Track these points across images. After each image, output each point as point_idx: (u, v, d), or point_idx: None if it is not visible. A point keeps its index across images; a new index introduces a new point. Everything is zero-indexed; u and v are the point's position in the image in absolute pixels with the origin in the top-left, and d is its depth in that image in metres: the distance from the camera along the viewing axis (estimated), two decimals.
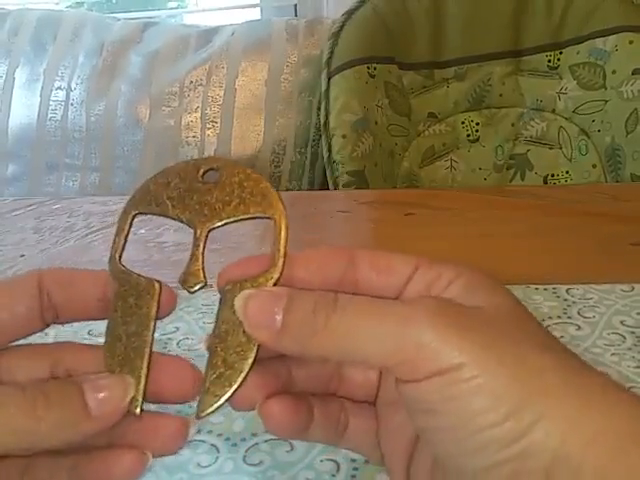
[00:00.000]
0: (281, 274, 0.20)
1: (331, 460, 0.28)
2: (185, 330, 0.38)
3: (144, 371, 0.20)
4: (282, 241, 0.21)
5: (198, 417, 0.19)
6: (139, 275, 0.21)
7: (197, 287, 0.21)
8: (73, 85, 1.03)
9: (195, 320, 0.39)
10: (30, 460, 0.20)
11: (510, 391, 0.17)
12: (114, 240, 0.22)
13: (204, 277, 0.21)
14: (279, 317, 0.18)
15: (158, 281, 0.21)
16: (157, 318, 0.20)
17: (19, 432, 0.17)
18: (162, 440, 0.20)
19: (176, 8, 1.46)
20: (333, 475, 0.27)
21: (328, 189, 0.91)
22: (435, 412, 0.17)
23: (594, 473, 0.16)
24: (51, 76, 1.03)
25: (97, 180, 1.02)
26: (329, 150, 0.89)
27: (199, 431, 0.30)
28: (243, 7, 1.31)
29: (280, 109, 0.99)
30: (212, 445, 0.29)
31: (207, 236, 0.21)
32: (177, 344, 0.36)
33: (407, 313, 0.18)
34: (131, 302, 0.20)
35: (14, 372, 0.20)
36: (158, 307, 0.21)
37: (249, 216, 0.21)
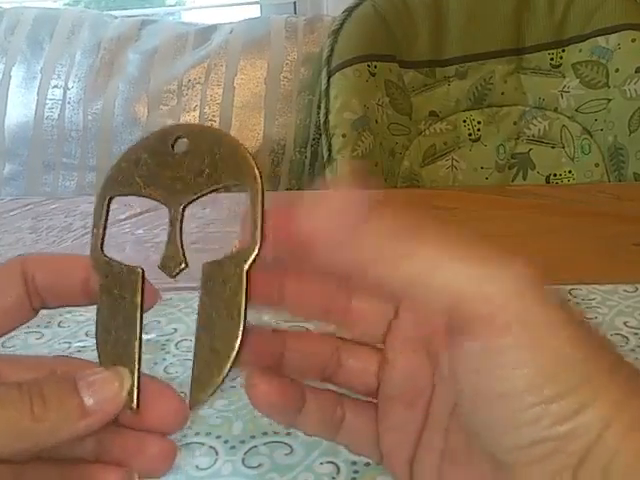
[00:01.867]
0: (260, 248, 0.19)
1: (331, 462, 0.28)
2: (183, 331, 0.37)
3: (136, 365, 0.19)
4: (258, 213, 0.19)
5: (191, 409, 0.19)
6: (121, 263, 0.20)
7: (177, 270, 0.20)
8: (70, 84, 1.02)
9: (193, 321, 0.38)
10: (19, 470, 0.19)
11: (574, 366, 0.16)
12: (92, 229, 0.21)
13: (184, 259, 0.20)
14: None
15: (141, 268, 0.20)
16: (142, 306, 0.20)
17: (17, 433, 0.17)
18: (147, 460, 0.20)
19: (174, 5, 1.46)
20: (333, 478, 0.27)
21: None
22: (498, 377, 0.17)
23: (633, 459, 0.16)
24: (48, 74, 1.03)
25: (94, 179, 1.02)
26: (329, 149, 0.89)
27: (198, 433, 0.30)
28: (242, 4, 1.31)
29: (279, 108, 0.99)
30: (211, 447, 0.29)
31: (183, 214, 0.20)
32: (175, 345, 0.36)
33: (503, 262, 0.17)
34: (115, 293, 0.20)
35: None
36: (142, 294, 0.20)
37: (221, 186, 0.20)
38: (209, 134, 0.20)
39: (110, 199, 0.21)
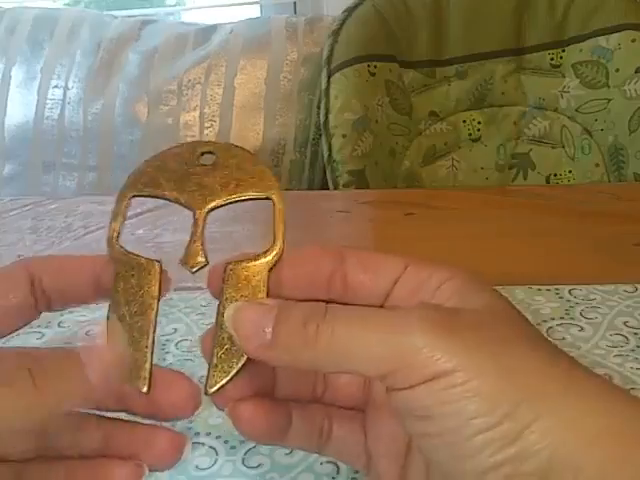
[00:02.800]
0: (282, 251, 0.21)
1: (331, 463, 0.28)
2: (184, 331, 0.37)
3: (150, 350, 0.20)
4: (280, 221, 0.21)
5: (207, 393, 0.20)
6: (138, 256, 0.21)
7: (198, 267, 0.21)
8: (70, 84, 1.02)
9: (194, 321, 0.38)
10: (24, 466, 0.19)
11: (506, 393, 0.16)
12: (110, 223, 0.22)
13: (205, 257, 0.21)
14: (269, 329, 0.18)
15: (158, 261, 0.21)
16: (159, 298, 0.21)
17: (24, 407, 0.17)
18: (156, 454, 0.20)
19: (174, 5, 1.46)
20: (333, 478, 0.27)
21: (328, 189, 0.91)
22: (429, 418, 0.17)
23: (596, 474, 0.16)
24: (48, 74, 1.03)
25: (95, 179, 1.02)
26: (329, 149, 0.89)
27: (198, 433, 0.30)
28: (242, 4, 1.31)
29: (279, 108, 0.99)
30: (211, 447, 0.29)
31: (206, 217, 0.22)
32: (175, 345, 0.36)
33: (398, 320, 0.18)
34: (133, 283, 0.21)
35: None
36: (160, 287, 0.21)
37: (247, 197, 0.22)
38: (236, 150, 0.23)
39: (132, 197, 0.22)
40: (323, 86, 0.91)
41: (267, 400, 0.21)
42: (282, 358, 0.18)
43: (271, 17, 1.08)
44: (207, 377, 0.20)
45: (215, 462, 0.28)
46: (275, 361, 0.19)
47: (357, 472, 0.27)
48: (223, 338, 0.20)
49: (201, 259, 0.21)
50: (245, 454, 0.28)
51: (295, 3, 1.21)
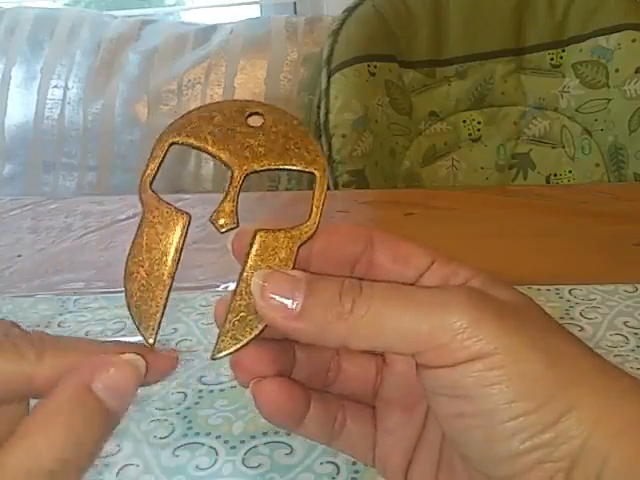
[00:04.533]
0: (316, 229, 0.20)
1: (331, 463, 0.28)
2: (184, 331, 0.37)
3: (163, 302, 0.19)
4: (321, 198, 0.21)
5: (213, 358, 0.19)
6: (170, 204, 0.20)
7: (228, 227, 0.20)
8: (70, 84, 1.02)
9: (194, 321, 0.38)
10: None
11: (545, 379, 0.17)
12: (146, 165, 0.21)
13: (237, 219, 0.20)
14: (298, 301, 0.18)
15: (188, 213, 0.20)
16: (182, 250, 0.20)
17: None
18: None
19: (174, 5, 1.45)
20: (333, 478, 0.27)
21: (328, 189, 0.90)
22: (466, 397, 0.17)
23: (620, 464, 0.16)
24: (48, 74, 1.03)
25: (94, 179, 1.02)
26: (329, 149, 0.89)
27: (198, 433, 0.30)
28: (242, 4, 1.31)
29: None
30: (211, 447, 0.29)
31: (244, 179, 0.21)
32: (176, 345, 0.36)
33: (439, 298, 0.18)
34: (159, 229, 0.20)
35: None
36: (184, 239, 0.20)
37: (290, 167, 0.21)
38: (286, 118, 0.21)
39: (172, 144, 0.21)
40: (323, 86, 0.91)
41: (290, 381, 0.21)
42: (309, 331, 0.18)
43: (271, 17, 1.08)
44: (216, 342, 0.19)
45: (215, 462, 0.28)
46: (300, 334, 0.18)
47: (357, 472, 0.27)
48: (240, 305, 0.19)
49: (232, 220, 0.20)
50: (245, 454, 0.28)
51: (295, 3, 1.20)
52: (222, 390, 0.32)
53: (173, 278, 0.20)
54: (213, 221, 0.20)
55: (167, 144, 0.21)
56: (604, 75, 0.90)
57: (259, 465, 0.28)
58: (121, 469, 0.28)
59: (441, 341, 0.17)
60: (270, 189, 0.97)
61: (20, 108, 1.03)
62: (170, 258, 0.20)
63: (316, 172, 0.21)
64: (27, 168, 1.03)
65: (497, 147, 0.96)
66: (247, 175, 0.21)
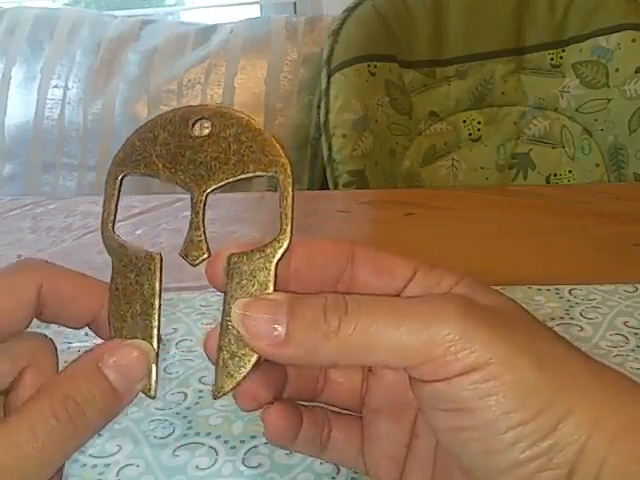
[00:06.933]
0: (290, 240, 0.19)
1: (331, 463, 0.28)
2: (184, 331, 0.37)
3: (154, 351, 0.19)
4: (288, 204, 0.19)
5: (215, 397, 0.19)
6: (137, 248, 0.20)
7: (200, 260, 0.19)
8: (70, 84, 1.02)
9: (194, 321, 0.38)
10: None
11: (541, 386, 0.16)
12: (103, 207, 0.20)
13: (207, 249, 0.19)
14: (281, 326, 0.17)
15: (158, 253, 0.19)
16: (161, 294, 0.19)
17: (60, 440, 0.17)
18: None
19: (174, 5, 1.45)
20: (333, 478, 0.27)
21: (328, 189, 0.90)
22: (463, 411, 0.17)
23: (617, 466, 0.16)
24: (48, 74, 1.03)
25: (94, 179, 1.02)
26: (329, 149, 0.88)
27: (198, 433, 0.30)
28: (242, 4, 1.31)
29: (279, 108, 0.99)
30: (211, 447, 0.29)
31: (206, 200, 0.19)
32: (175, 345, 0.36)
33: (429, 308, 0.17)
34: (132, 278, 0.19)
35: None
36: (161, 282, 0.19)
37: (250, 175, 0.19)
38: (233, 118, 0.19)
39: (124, 176, 0.20)
40: (323, 86, 0.91)
41: (287, 404, 0.21)
42: (297, 355, 0.18)
43: (271, 17, 1.08)
44: (215, 380, 0.19)
45: (215, 462, 0.28)
46: (289, 359, 0.18)
47: (357, 472, 0.27)
48: (230, 340, 0.18)
49: (203, 251, 0.19)
50: (245, 454, 0.28)
51: (295, 3, 1.20)
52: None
53: (159, 326, 0.19)
54: (183, 256, 0.19)
55: (118, 180, 0.20)
56: (604, 75, 0.90)
57: (259, 465, 0.28)
58: (121, 469, 0.28)
59: (435, 354, 0.17)
60: (270, 189, 0.97)
61: (20, 108, 1.03)
62: (152, 308, 0.19)
63: (277, 175, 0.19)
64: (27, 168, 1.03)
65: (497, 147, 0.96)
66: (207, 195, 0.19)
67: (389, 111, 0.92)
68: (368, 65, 0.90)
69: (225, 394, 0.19)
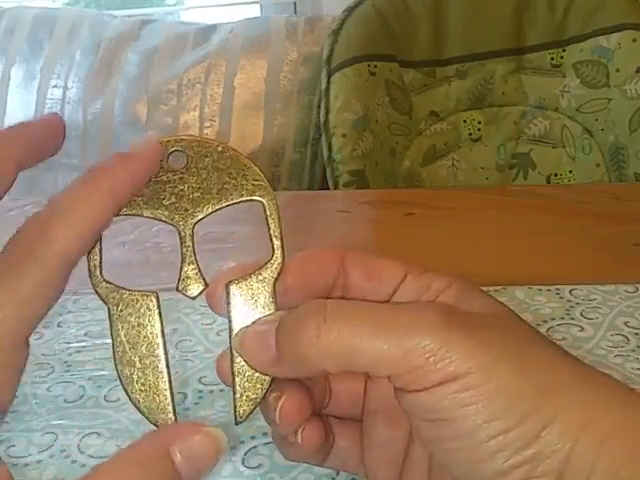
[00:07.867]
0: (283, 260, 0.19)
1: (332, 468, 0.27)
2: (184, 331, 0.37)
3: (169, 392, 0.19)
4: (276, 226, 0.20)
5: (237, 423, 0.19)
6: (130, 291, 0.19)
7: (198, 292, 0.20)
8: (70, 83, 1.02)
9: (194, 322, 0.38)
10: None
11: (523, 394, 0.16)
12: (88, 258, 0.19)
13: (203, 280, 0.20)
14: (272, 342, 0.18)
15: (154, 292, 0.19)
16: (164, 332, 0.19)
17: None
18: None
19: (174, 5, 1.45)
20: (333, 478, 0.27)
21: (328, 189, 0.90)
22: (444, 420, 0.17)
23: (607, 472, 0.16)
24: (48, 74, 1.03)
25: None
26: (329, 149, 0.88)
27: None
28: (242, 4, 1.31)
29: (279, 107, 0.99)
30: None
31: (193, 232, 0.20)
32: (175, 346, 0.36)
33: (409, 317, 0.17)
34: (132, 322, 0.19)
35: None
36: (162, 320, 0.19)
37: (233, 202, 0.20)
38: (207, 146, 0.20)
39: None
40: (323, 86, 0.91)
41: (320, 419, 0.21)
42: (290, 367, 0.18)
43: (271, 17, 1.08)
44: (234, 407, 0.19)
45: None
46: (285, 373, 0.18)
47: (357, 473, 0.27)
48: (243, 365, 0.19)
49: (199, 283, 0.20)
50: (245, 454, 0.28)
51: (295, 3, 1.20)
52: (222, 390, 0.32)
53: (168, 363, 0.19)
54: (181, 291, 0.20)
55: None
56: (604, 75, 0.90)
57: (259, 465, 0.28)
58: None
59: (415, 364, 0.17)
60: None
61: (20, 108, 1.03)
62: (158, 347, 0.19)
63: (261, 199, 0.20)
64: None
65: (497, 147, 0.96)
66: (194, 227, 0.20)
67: (389, 111, 0.92)
68: (368, 65, 0.90)
69: (247, 417, 0.19)
